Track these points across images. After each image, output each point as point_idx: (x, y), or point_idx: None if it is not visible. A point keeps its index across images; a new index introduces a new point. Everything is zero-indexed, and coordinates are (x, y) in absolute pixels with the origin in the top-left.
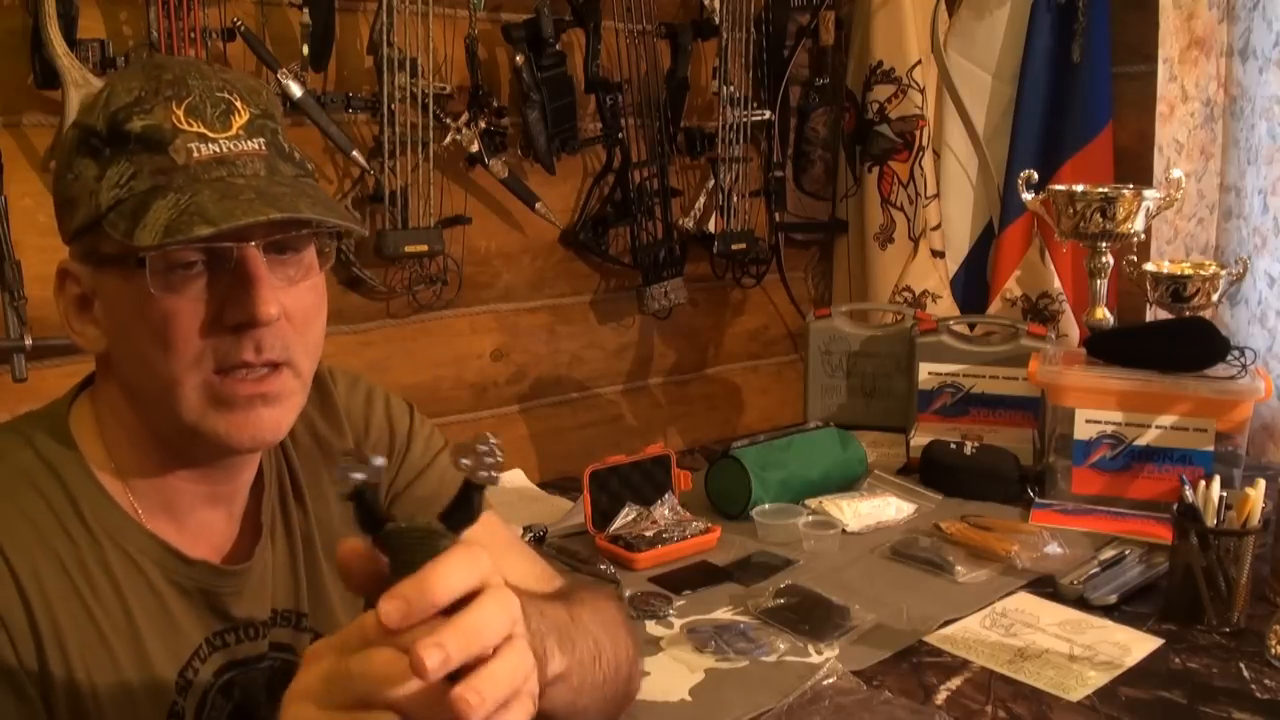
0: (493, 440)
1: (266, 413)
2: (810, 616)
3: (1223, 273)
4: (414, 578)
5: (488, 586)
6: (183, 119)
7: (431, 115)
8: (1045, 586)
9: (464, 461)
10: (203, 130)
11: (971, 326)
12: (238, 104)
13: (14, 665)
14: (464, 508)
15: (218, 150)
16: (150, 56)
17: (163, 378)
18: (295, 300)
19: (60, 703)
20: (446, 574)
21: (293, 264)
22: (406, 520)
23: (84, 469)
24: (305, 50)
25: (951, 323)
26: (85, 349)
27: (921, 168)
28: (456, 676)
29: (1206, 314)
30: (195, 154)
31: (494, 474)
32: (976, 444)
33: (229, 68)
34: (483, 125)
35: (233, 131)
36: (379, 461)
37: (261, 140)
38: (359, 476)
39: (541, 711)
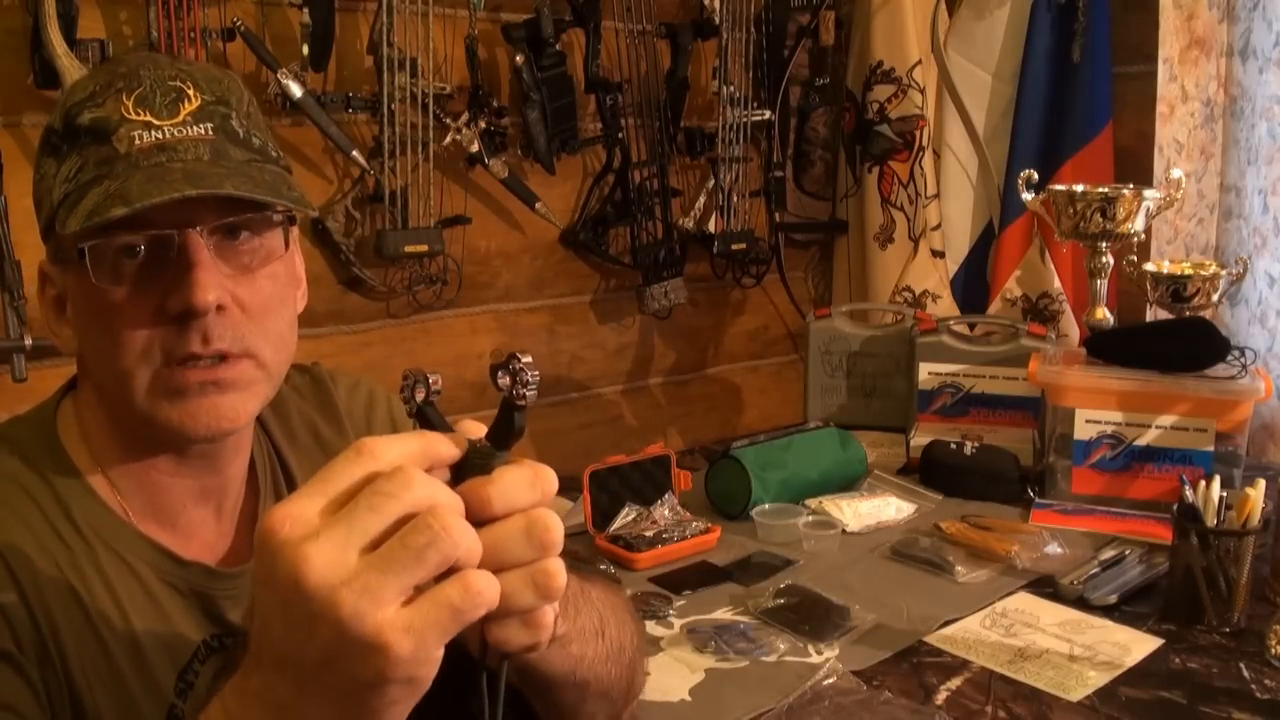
0: (527, 358)
1: (222, 400)
2: (810, 616)
3: (1223, 273)
4: (471, 482)
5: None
6: (131, 109)
7: (431, 115)
8: (1045, 586)
9: (502, 381)
10: (149, 119)
11: (971, 326)
12: (189, 91)
13: (20, 658)
14: (506, 426)
15: (160, 137)
16: (116, 53)
17: (116, 371)
18: (250, 289)
19: (61, 707)
20: (506, 483)
21: (248, 250)
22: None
23: (72, 473)
24: (305, 50)
25: (951, 323)
26: (64, 350)
27: (921, 168)
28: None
29: (1206, 314)
30: (137, 142)
31: (531, 393)
32: (976, 444)
33: (195, 61)
34: (483, 125)
35: (179, 118)
36: (437, 377)
37: (209, 125)
38: (421, 393)
39: (539, 674)
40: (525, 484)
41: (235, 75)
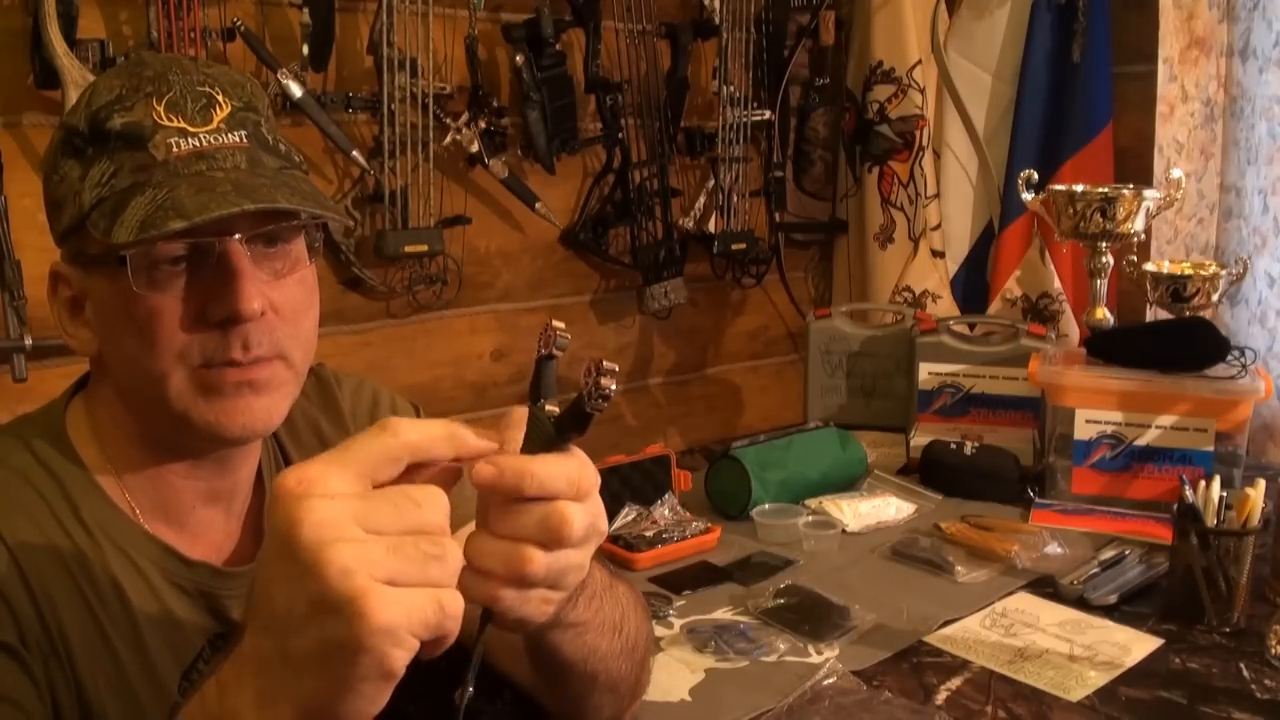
0: (609, 382)
1: (256, 401)
2: (810, 616)
3: (1223, 273)
4: (518, 458)
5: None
6: (163, 115)
7: (431, 115)
8: (1045, 586)
9: (586, 380)
10: (183, 125)
11: (971, 326)
12: (219, 97)
13: (23, 652)
14: (572, 422)
15: (197, 145)
16: (135, 54)
17: (150, 374)
18: (283, 294)
19: (67, 703)
20: (547, 473)
21: (280, 257)
22: (547, 410)
23: (82, 471)
24: (305, 50)
25: (951, 323)
26: (78, 352)
27: (921, 168)
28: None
29: (1206, 314)
30: (174, 149)
31: (601, 406)
32: (976, 444)
33: (214, 62)
34: (483, 125)
35: (213, 125)
36: (566, 341)
37: (243, 133)
38: (555, 349)
39: (552, 659)
40: (562, 478)
41: (252, 77)
